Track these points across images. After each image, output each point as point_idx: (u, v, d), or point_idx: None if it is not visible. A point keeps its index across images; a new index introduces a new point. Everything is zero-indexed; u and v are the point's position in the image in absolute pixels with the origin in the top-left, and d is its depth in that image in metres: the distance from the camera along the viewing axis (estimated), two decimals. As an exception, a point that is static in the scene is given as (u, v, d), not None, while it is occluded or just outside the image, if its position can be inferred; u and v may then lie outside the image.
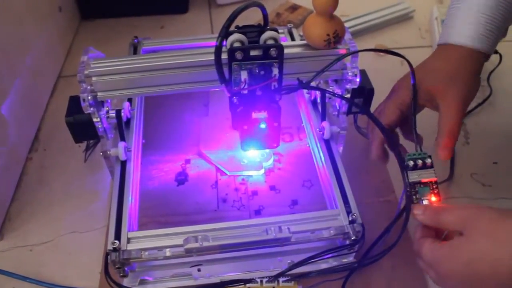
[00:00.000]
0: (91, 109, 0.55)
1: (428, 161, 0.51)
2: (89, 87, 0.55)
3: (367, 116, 0.54)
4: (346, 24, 0.80)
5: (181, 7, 1.05)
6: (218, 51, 0.50)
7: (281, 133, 0.74)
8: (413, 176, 0.51)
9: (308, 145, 0.69)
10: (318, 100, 0.67)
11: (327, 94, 0.63)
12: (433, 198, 0.51)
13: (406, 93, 0.55)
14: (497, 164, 0.73)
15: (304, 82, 0.53)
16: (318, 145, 0.64)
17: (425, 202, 0.50)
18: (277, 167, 0.72)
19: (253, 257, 0.59)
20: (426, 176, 0.51)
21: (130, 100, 0.69)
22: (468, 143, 0.76)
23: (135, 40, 0.77)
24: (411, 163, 0.51)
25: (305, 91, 0.71)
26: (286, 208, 0.67)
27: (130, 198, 0.59)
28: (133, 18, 1.04)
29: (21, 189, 0.71)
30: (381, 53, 0.91)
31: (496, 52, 0.84)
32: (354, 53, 0.55)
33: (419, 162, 0.51)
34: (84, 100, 0.54)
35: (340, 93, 0.61)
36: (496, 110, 0.82)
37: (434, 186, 0.51)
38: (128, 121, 0.67)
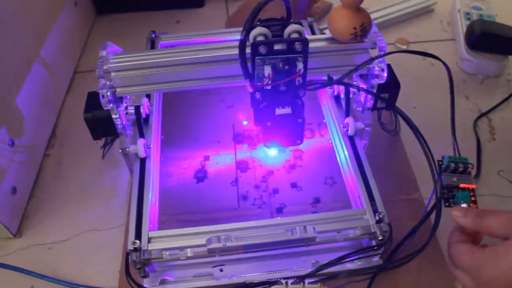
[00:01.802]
0: (110, 105, 0.54)
1: (470, 166, 0.50)
2: (108, 82, 0.54)
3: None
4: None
5: (197, 1, 1.03)
6: (242, 45, 0.48)
7: (302, 130, 0.73)
8: (452, 179, 0.50)
9: (330, 141, 0.67)
10: (342, 96, 0.65)
11: (351, 90, 0.61)
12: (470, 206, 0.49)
13: None
14: (525, 161, 0.71)
15: (335, 79, 0.52)
16: (342, 141, 0.63)
17: (464, 206, 0.49)
18: (298, 163, 0.70)
19: (276, 257, 0.57)
20: (465, 182, 0.50)
21: (148, 96, 0.68)
22: (494, 139, 0.74)
23: (153, 35, 0.75)
24: (452, 165, 0.49)
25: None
26: (308, 206, 0.66)
27: (150, 196, 0.58)
28: (148, 12, 1.02)
29: (38, 186, 0.71)
30: (404, 46, 0.89)
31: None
32: (393, 53, 0.53)
33: (460, 166, 0.50)
34: (103, 96, 0.53)
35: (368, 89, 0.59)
36: (523, 104, 0.79)
37: (472, 194, 0.50)
38: (147, 118, 0.66)
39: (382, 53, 0.54)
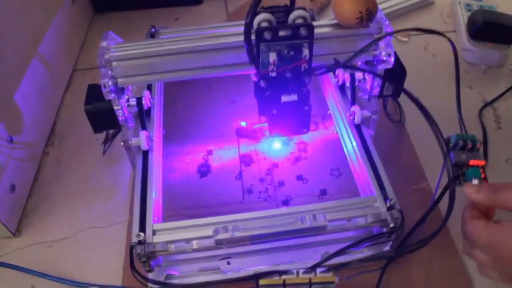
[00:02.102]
0: (112, 95, 0.52)
1: (478, 143, 0.49)
2: (109, 72, 0.52)
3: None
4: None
5: (196, -2, 1.02)
6: (247, 29, 0.47)
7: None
8: (461, 157, 0.49)
9: (336, 132, 0.66)
10: (347, 85, 0.64)
11: (356, 77, 0.60)
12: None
13: None
14: (531, 149, 0.70)
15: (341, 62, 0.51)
16: (349, 130, 0.61)
17: (475, 181, 0.48)
18: (303, 156, 0.69)
19: (284, 249, 0.56)
20: (474, 159, 0.49)
21: (150, 88, 0.67)
22: (500, 128, 0.73)
23: (152, 30, 0.74)
24: (460, 142, 0.48)
25: (331, 75, 0.69)
26: (315, 198, 0.64)
27: (153, 189, 0.56)
28: (146, 10, 1.01)
29: (38, 184, 0.69)
30: (405, 38, 0.88)
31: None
32: (399, 31, 0.52)
33: (469, 143, 0.48)
34: (105, 85, 0.52)
35: (371, 76, 0.58)
36: (528, 94, 0.79)
37: (482, 170, 0.49)
38: (148, 111, 0.65)
39: (390, 37, 0.53)
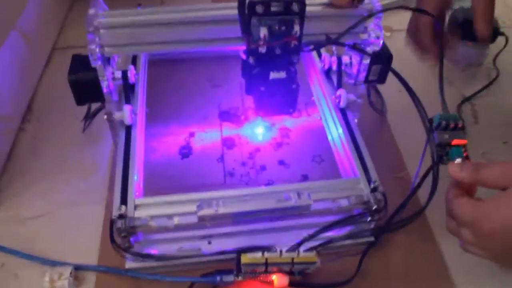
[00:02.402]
0: (99, 63, 0.51)
1: (460, 122, 0.50)
2: (97, 39, 0.51)
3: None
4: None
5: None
6: (241, 0, 0.47)
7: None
8: (444, 137, 0.49)
9: (319, 118, 0.66)
10: (333, 68, 0.64)
11: (343, 61, 0.61)
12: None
13: None
14: (507, 143, 0.72)
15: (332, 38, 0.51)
16: (334, 114, 0.62)
17: (458, 161, 0.48)
18: (285, 141, 0.69)
19: (266, 231, 0.56)
20: (457, 138, 0.49)
21: (134, 64, 0.65)
22: (477, 123, 0.75)
23: (139, 7, 0.73)
24: (443, 123, 0.49)
25: (317, 60, 0.69)
26: (296, 183, 0.64)
27: (135, 164, 0.55)
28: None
29: (12, 160, 0.67)
30: (387, 33, 0.89)
31: (502, 34, 0.84)
32: (390, 9, 0.53)
33: (451, 122, 0.49)
34: (92, 53, 0.50)
35: (358, 59, 0.59)
36: (503, 91, 0.81)
37: (464, 149, 0.49)
38: (133, 87, 0.64)
39: (379, 20, 0.54)
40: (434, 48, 0.59)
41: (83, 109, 0.68)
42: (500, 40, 0.84)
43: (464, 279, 0.55)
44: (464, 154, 0.49)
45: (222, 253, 0.51)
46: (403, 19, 0.95)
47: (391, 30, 0.91)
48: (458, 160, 0.48)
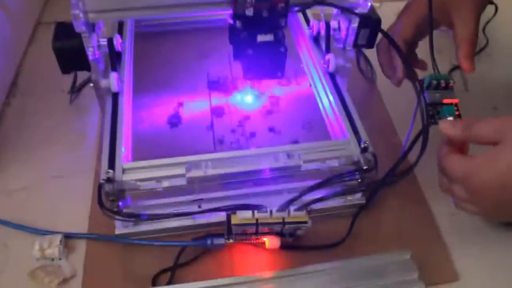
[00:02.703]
0: (83, 27, 0.50)
1: (451, 82, 0.50)
2: (80, 4, 0.50)
3: (381, 33, 0.52)
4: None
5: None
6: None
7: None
8: (435, 96, 0.49)
9: (309, 85, 0.65)
10: (322, 33, 0.64)
11: (331, 26, 0.60)
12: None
13: (422, 6, 0.53)
14: (497, 109, 0.72)
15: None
16: (323, 79, 0.61)
17: (450, 119, 0.49)
18: (275, 109, 0.69)
19: (256, 195, 0.55)
20: (448, 97, 0.49)
21: (121, 33, 0.64)
22: (467, 90, 0.75)
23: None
24: (434, 82, 0.49)
25: (306, 27, 0.68)
26: (287, 145, 0.64)
27: (123, 129, 0.54)
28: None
29: (-1, 133, 0.66)
30: (376, 4, 0.89)
31: (491, 2, 0.84)
32: None
33: (442, 82, 0.49)
34: (75, 17, 0.49)
35: (346, 25, 0.58)
36: (492, 59, 0.81)
37: (456, 108, 0.49)
38: (119, 56, 0.63)
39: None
40: (398, 72, 0.59)
41: (70, 82, 0.67)
42: (490, 8, 0.84)
43: (455, 239, 0.56)
44: (456, 113, 0.49)
45: (213, 210, 0.51)
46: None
47: (381, 1, 0.90)
48: (450, 118, 0.48)
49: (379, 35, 0.57)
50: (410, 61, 0.56)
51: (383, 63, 0.61)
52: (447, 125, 0.47)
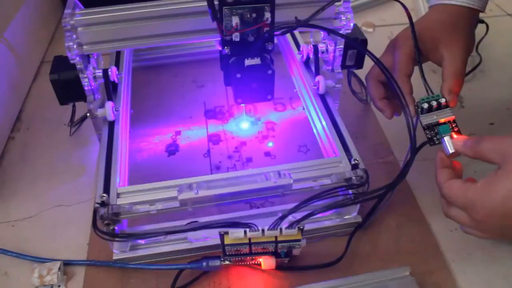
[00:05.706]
0: (78, 59, 0.52)
1: (443, 100, 0.51)
2: (74, 36, 0.52)
3: (378, 67, 0.53)
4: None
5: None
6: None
7: (274, 103, 0.73)
8: (430, 118, 0.50)
9: (302, 109, 0.67)
10: (311, 57, 0.65)
11: (319, 48, 0.62)
12: (455, 136, 0.50)
13: (410, 41, 0.54)
14: (493, 124, 0.72)
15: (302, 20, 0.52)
16: (314, 101, 0.62)
17: (446, 138, 0.49)
18: (271, 134, 0.70)
19: (251, 217, 0.56)
20: (443, 116, 0.50)
21: (117, 65, 0.67)
22: (463, 106, 0.76)
23: None
24: (425, 105, 0.50)
25: (296, 52, 0.70)
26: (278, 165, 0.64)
27: (118, 154, 0.56)
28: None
29: (2, 167, 0.68)
30: (370, 29, 0.91)
31: (482, 22, 0.85)
32: None
33: (434, 103, 0.50)
34: (69, 49, 0.52)
35: (333, 47, 0.60)
36: (486, 77, 0.82)
37: (453, 125, 0.50)
38: (115, 86, 0.65)
39: (348, 3, 0.55)
40: (387, 106, 0.58)
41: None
42: (481, 27, 0.86)
43: (455, 255, 0.55)
44: (455, 130, 0.50)
45: (202, 227, 0.51)
46: (384, 16, 0.97)
47: (373, 26, 0.92)
48: (446, 138, 0.50)
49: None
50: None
51: (374, 96, 0.59)
52: (459, 142, 0.48)
